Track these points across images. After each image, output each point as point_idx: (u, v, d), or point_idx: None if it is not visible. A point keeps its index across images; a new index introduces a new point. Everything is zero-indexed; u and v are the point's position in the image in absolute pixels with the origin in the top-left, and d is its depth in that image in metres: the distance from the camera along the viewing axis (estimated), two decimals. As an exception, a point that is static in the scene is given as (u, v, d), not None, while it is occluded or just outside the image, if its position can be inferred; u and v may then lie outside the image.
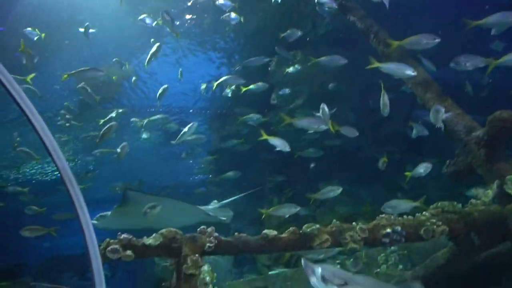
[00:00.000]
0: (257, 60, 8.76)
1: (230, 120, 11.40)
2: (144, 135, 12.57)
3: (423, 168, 7.67)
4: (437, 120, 6.14)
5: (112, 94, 11.86)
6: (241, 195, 9.58)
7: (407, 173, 7.88)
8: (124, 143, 8.58)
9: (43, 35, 8.62)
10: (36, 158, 9.73)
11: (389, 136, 10.22)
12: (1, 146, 11.49)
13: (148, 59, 8.48)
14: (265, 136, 7.88)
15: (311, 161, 10.37)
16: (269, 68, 10.27)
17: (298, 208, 7.42)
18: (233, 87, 9.58)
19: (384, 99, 7.19)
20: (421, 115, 9.65)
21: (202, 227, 4.91)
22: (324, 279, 3.09)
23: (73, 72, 7.90)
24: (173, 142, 9.10)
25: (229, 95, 10.63)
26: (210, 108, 12.32)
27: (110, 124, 8.25)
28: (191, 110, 12.18)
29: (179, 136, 8.71)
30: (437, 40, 6.39)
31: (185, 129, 8.63)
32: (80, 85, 8.87)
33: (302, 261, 3.14)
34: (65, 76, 8.05)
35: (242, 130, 10.89)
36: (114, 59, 9.58)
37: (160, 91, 9.14)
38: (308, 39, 8.63)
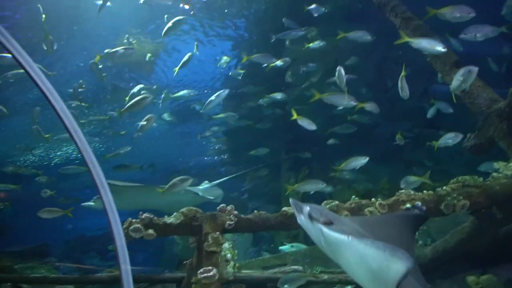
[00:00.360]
0: (292, 32, 8.58)
1: (245, 99, 11.35)
2: (166, 116, 12.46)
3: (451, 138, 7.26)
4: (467, 80, 5.85)
5: (148, 72, 11.83)
6: (231, 176, 9.52)
7: (434, 143, 7.58)
8: (150, 115, 8.21)
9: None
10: (46, 138, 9.92)
11: (406, 112, 10.07)
12: (22, 130, 11.68)
13: (165, 31, 8.31)
14: (295, 116, 7.89)
15: (328, 139, 10.31)
16: (286, 45, 10.14)
17: (324, 184, 7.43)
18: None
19: (403, 82, 7.08)
20: (438, 90, 9.49)
21: (222, 205, 4.94)
22: (311, 217, 3.04)
23: (107, 52, 7.94)
24: (201, 111, 8.96)
25: (240, 76, 10.53)
26: (225, 88, 12.28)
27: (145, 96, 8.00)
28: (206, 91, 12.15)
29: (206, 103, 8.55)
30: (472, 15, 6.16)
31: (213, 97, 8.47)
32: (92, 61, 8.87)
33: (291, 200, 3.19)
34: (98, 57, 8.15)
35: (264, 110, 10.78)
36: (133, 41, 9.52)
37: (185, 58, 8.98)
38: (324, 9, 8.42)
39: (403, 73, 6.91)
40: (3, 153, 12.92)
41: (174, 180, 7.20)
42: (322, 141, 10.40)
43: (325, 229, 2.86)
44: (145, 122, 8.14)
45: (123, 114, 8.39)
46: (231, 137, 13.75)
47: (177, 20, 8.34)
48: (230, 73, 11.07)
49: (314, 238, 3.12)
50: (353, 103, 7.51)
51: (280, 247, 9.08)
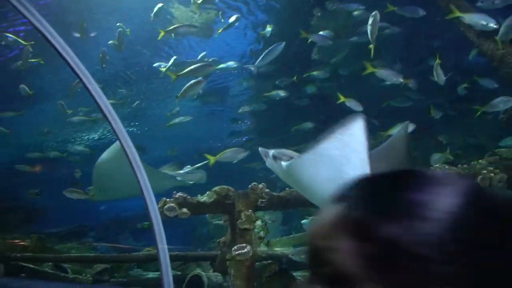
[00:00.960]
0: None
1: (272, 79, 11.22)
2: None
3: (502, 102, 6.70)
4: None
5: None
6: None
7: (477, 108, 7.25)
8: (200, 78, 7.88)
9: None
10: (66, 112, 10.23)
11: (437, 87, 9.77)
12: (55, 117, 11.96)
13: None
14: (342, 99, 7.89)
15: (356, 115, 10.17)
16: (311, 23, 9.95)
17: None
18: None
19: (438, 70, 7.01)
20: (472, 62, 9.17)
21: (253, 183, 4.99)
22: (275, 157, 3.58)
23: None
24: (254, 67, 8.75)
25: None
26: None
27: (198, 79, 7.80)
28: (233, 71, 12.07)
29: (261, 58, 8.33)
30: None
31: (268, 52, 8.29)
32: (120, 30, 9.02)
33: (260, 149, 3.85)
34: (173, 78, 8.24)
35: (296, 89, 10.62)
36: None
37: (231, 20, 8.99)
38: None
39: (437, 61, 6.76)
40: (36, 137, 13.31)
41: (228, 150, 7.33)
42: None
43: (283, 163, 3.46)
44: (194, 84, 7.85)
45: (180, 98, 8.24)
46: (259, 117, 13.71)
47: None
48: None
49: (280, 175, 3.72)
50: (401, 79, 7.52)
51: (302, 221, 9.09)
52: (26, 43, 8.88)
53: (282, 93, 10.01)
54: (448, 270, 0.62)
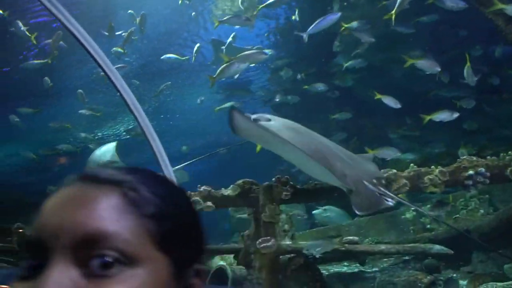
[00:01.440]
0: None
1: (292, 70, 11.15)
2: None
3: None
4: None
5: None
6: (199, 158, 9.40)
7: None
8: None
9: None
10: (85, 101, 10.43)
11: (464, 76, 9.53)
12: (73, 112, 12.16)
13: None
14: (378, 96, 7.96)
15: (379, 107, 10.02)
16: (333, 11, 9.82)
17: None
18: None
19: (468, 72, 7.16)
20: (501, 52, 8.93)
21: (277, 176, 4.96)
22: (255, 120, 4.06)
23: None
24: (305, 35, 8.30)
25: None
26: (272, 62, 12.10)
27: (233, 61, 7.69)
28: (252, 64, 12.02)
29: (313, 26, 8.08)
30: None
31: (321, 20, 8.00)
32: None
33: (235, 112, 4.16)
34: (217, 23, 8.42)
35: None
36: None
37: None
38: None
39: (468, 64, 6.66)
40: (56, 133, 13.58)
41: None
42: (375, 110, 10.12)
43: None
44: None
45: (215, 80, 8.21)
46: (279, 110, 13.68)
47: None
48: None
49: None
50: (438, 69, 7.60)
51: (313, 212, 9.01)
52: (31, 35, 9.02)
53: (321, 86, 9.81)
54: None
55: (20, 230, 6.47)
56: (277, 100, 12.13)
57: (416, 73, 9.39)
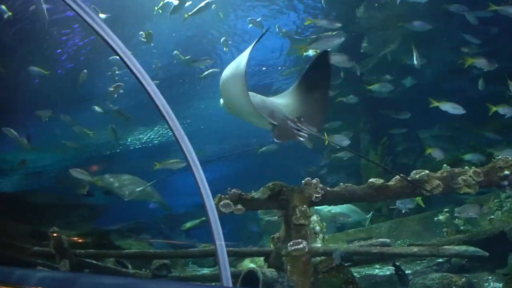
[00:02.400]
0: None
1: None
2: None
3: None
4: None
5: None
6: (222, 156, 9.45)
7: None
8: None
9: None
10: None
11: (495, 74, 9.29)
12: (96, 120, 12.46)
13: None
14: (435, 103, 7.87)
15: (408, 109, 9.88)
16: (357, 14, 9.74)
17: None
18: None
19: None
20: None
21: (307, 178, 4.96)
22: None
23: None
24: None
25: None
26: (299, 63, 12.07)
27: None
28: (279, 67, 12.07)
29: None
30: None
31: None
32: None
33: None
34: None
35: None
36: None
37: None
38: None
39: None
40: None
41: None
42: (405, 109, 9.99)
43: None
44: None
45: None
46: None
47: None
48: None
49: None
50: (495, 65, 7.77)
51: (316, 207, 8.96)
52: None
53: (386, 87, 9.71)
54: None
55: (56, 234, 6.69)
56: None
57: (445, 72, 9.23)
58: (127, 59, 2.42)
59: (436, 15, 9.11)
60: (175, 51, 10.66)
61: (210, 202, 2.20)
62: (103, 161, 13.92)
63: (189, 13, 9.35)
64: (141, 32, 9.85)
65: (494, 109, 7.89)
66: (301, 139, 4.86)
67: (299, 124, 4.88)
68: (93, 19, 2.32)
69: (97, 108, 11.42)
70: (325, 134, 7.73)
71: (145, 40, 9.66)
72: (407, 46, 9.32)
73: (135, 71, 2.44)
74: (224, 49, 10.87)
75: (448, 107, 7.77)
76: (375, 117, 11.08)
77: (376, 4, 9.33)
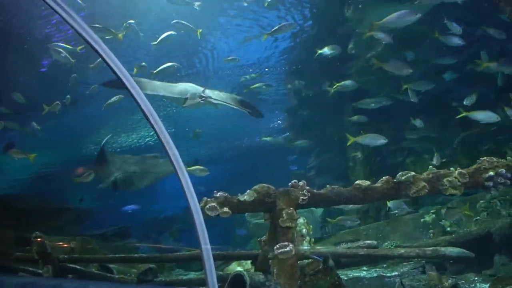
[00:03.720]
0: None
1: (306, 75, 11.16)
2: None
3: None
4: None
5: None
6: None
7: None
8: None
9: None
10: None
11: (480, 75, 9.40)
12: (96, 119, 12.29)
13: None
14: (464, 113, 7.82)
15: (396, 111, 9.92)
16: (346, 15, 9.78)
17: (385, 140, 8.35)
18: None
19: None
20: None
21: (293, 181, 4.93)
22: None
23: None
24: None
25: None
26: (286, 65, 12.10)
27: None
28: (266, 69, 12.05)
29: None
30: None
31: None
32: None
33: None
34: None
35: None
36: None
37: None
38: None
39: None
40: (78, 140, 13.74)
41: None
42: (390, 112, 10.02)
43: None
44: None
45: None
46: (293, 114, 13.66)
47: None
48: None
49: None
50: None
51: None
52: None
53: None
54: None
55: (39, 239, 6.55)
56: (293, 103, 12.12)
57: (432, 75, 9.29)
58: (109, 60, 2.36)
59: (421, 17, 9.18)
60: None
61: (195, 205, 2.15)
62: (88, 164, 13.75)
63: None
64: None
65: (464, 114, 7.86)
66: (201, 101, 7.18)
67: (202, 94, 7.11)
68: (73, 18, 2.25)
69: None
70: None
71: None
72: (392, 48, 9.37)
73: (119, 73, 2.39)
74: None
75: (482, 116, 7.67)
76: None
77: (361, 6, 9.37)
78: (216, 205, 4.83)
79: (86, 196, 11.74)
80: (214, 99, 8.22)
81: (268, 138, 13.30)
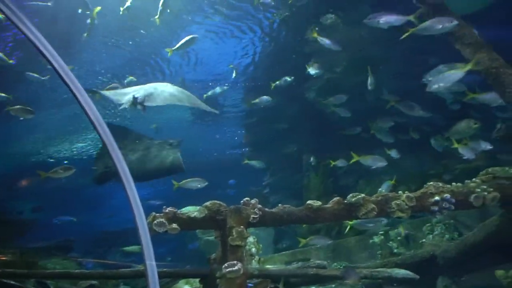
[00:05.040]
0: None
1: (267, 91, 11.21)
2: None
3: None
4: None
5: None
6: None
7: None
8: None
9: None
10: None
11: (433, 102, 9.80)
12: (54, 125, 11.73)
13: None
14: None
15: (352, 134, 10.13)
16: (307, 36, 9.97)
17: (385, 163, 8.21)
18: None
19: None
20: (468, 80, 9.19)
21: (245, 199, 4.88)
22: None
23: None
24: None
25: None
26: (246, 81, 12.12)
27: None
28: (226, 84, 12.03)
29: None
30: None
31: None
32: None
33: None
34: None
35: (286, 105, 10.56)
36: None
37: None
38: None
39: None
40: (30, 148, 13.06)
41: None
42: (346, 136, 10.23)
43: None
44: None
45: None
46: (252, 130, 13.67)
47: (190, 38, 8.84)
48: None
49: None
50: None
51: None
52: None
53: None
54: None
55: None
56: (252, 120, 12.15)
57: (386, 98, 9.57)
58: (58, 65, 2.23)
59: (379, 42, 9.50)
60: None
61: (141, 220, 2.06)
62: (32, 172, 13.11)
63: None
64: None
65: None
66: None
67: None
68: (22, 22, 2.13)
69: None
70: None
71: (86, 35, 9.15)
72: (352, 69, 9.61)
73: (67, 80, 2.27)
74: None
75: (464, 151, 7.76)
76: (318, 139, 11.29)
77: (325, 29, 9.60)
78: (164, 221, 4.70)
79: (26, 208, 11.12)
80: (157, 101, 8.01)
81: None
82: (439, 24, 6.52)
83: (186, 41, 8.86)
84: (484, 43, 6.31)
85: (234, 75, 10.71)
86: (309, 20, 9.90)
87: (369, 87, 8.69)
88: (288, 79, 9.90)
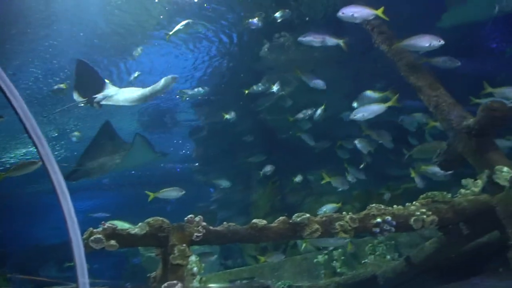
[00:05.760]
0: None
1: (218, 106, 11.16)
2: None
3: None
4: None
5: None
6: None
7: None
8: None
9: None
10: None
11: (380, 125, 10.13)
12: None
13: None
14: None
15: (300, 151, 10.26)
16: (260, 54, 10.04)
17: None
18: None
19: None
20: (411, 105, 9.58)
21: (190, 216, 4.75)
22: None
23: None
24: None
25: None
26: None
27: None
28: (177, 96, 11.87)
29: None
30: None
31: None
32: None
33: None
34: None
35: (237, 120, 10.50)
36: None
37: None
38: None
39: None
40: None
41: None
42: (297, 152, 10.34)
43: None
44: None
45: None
46: (202, 144, 13.53)
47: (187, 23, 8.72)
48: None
49: None
50: None
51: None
52: None
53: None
54: None
55: None
56: (202, 133, 12.02)
57: (338, 118, 9.80)
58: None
59: (330, 63, 9.74)
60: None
61: (76, 235, 1.93)
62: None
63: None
64: None
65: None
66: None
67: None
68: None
69: None
70: None
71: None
72: (302, 89, 9.76)
73: (2, 85, 2.10)
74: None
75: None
76: (268, 156, 11.34)
77: (279, 48, 9.73)
78: (102, 237, 4.48)
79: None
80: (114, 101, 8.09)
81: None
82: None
83: (184, 26, 8.84)
84: (426, 70, 6.62)
85: (182, 99, 10.63)
86: (261, 39, 10.02)
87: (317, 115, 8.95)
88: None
